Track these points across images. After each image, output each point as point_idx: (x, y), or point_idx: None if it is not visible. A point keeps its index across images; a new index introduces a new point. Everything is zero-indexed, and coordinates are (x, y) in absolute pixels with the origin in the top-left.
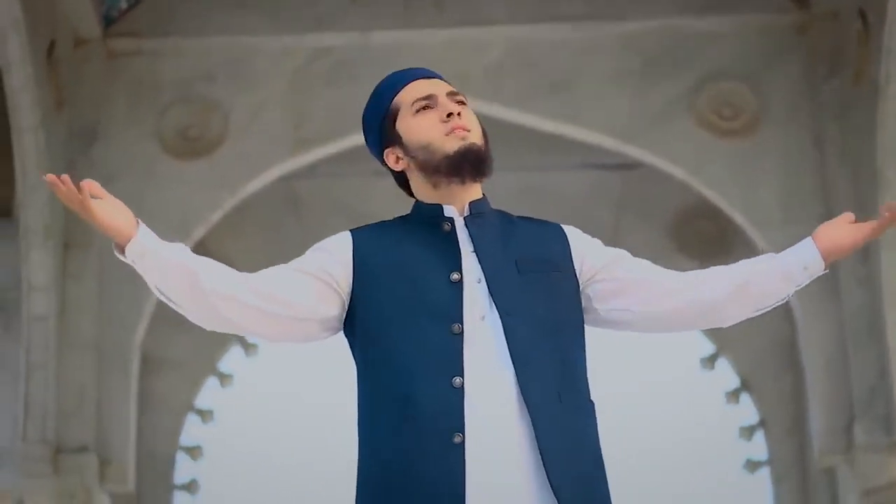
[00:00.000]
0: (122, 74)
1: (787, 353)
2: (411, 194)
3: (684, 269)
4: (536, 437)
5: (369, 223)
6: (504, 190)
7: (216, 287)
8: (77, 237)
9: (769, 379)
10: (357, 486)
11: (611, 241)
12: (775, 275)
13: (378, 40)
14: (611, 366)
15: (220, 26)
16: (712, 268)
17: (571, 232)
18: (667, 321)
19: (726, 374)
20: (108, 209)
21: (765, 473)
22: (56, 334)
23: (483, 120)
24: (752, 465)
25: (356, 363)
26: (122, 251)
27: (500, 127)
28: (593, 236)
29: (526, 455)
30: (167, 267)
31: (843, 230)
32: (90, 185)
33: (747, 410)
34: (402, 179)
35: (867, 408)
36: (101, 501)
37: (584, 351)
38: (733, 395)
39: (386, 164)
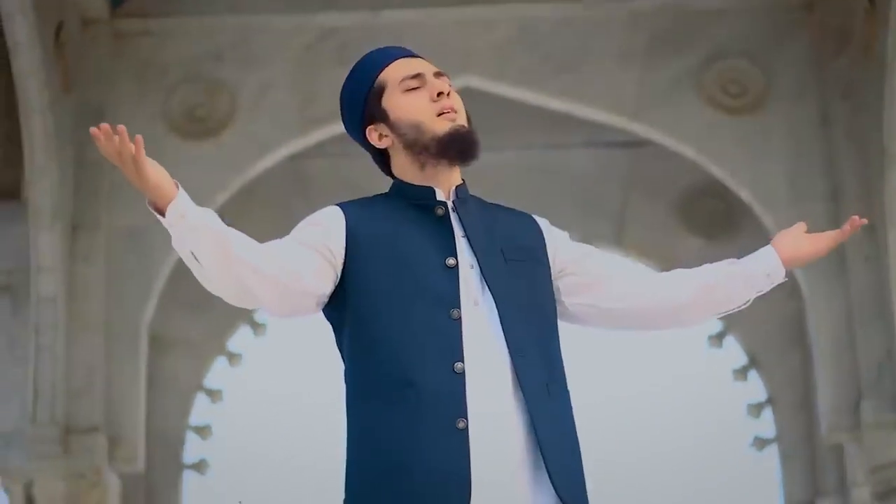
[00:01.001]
0: (129, 55)
1: (795, 331)
2: (388, 172)
3: (692, 247)
4: (533, 424)
5: (352, 199)
6: (512, 168)
7: (244, 256)
8: (85, 219)
9: (777, 356)
10: (348, 468)
11: (619, 219)
12: (739, 280)
13: (386, 19)
14: (619, 344)
15: (226, 6)
16: (677, 270)
17: (543, 223)
18: (630, 320)
19: (734, 352)
20: (153, 166)
21: (773, 451)
22: (65, 315)
23: (490, 98)
24: (759, 443)
25: (343, 341)
26: (159, 211)
27: (508, 105)
28: (602, 215)
29: (523, 441)
30: (205, 231)
31: (801, 240)
32: (139, 140)
33: (755, 388)
34: (380, 157)
35: (875, 385)
36: (110, 481)
37: (559, 341)
38: (741, 373)
39: (364, 141)
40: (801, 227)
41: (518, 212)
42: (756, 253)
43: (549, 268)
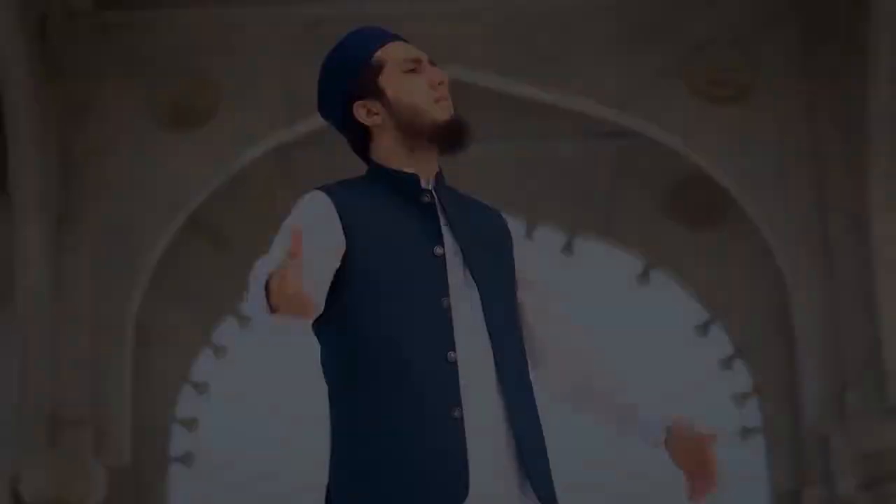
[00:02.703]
0: (114, 47)
1: (781, 321)
2: (361, 152)
3: (678, 237)
4: (508, 412)
5: (331, 182)
6: (499, 159)
7: (318, 301)
8: (71, 211)
9: (763, 346)
10: (336, 456)
11: (606, 209)
12: (635, 428)
13: (372, 9)
14: (608, 334)
15: None
16: (602, 374)
17: (510, 223)
18: (546, 371)
19: (720, 342)
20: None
21: (758, 440)
22: (51, 308)
23: (477, 89)
24: (745, 433)
25: (329, 329)
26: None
27: (495, 96)
28: (589, 205)
29: (505, 430)
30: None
31: (693, 454)
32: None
33: (741, 378)
34: (356, 136)
35: (860, 375)
36: (97, 474)
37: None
38: (727, 363)
39: (342, 117)
40: (710, 436)
41: (487, 205)
42: (655, 419)
43: (514, 267)
